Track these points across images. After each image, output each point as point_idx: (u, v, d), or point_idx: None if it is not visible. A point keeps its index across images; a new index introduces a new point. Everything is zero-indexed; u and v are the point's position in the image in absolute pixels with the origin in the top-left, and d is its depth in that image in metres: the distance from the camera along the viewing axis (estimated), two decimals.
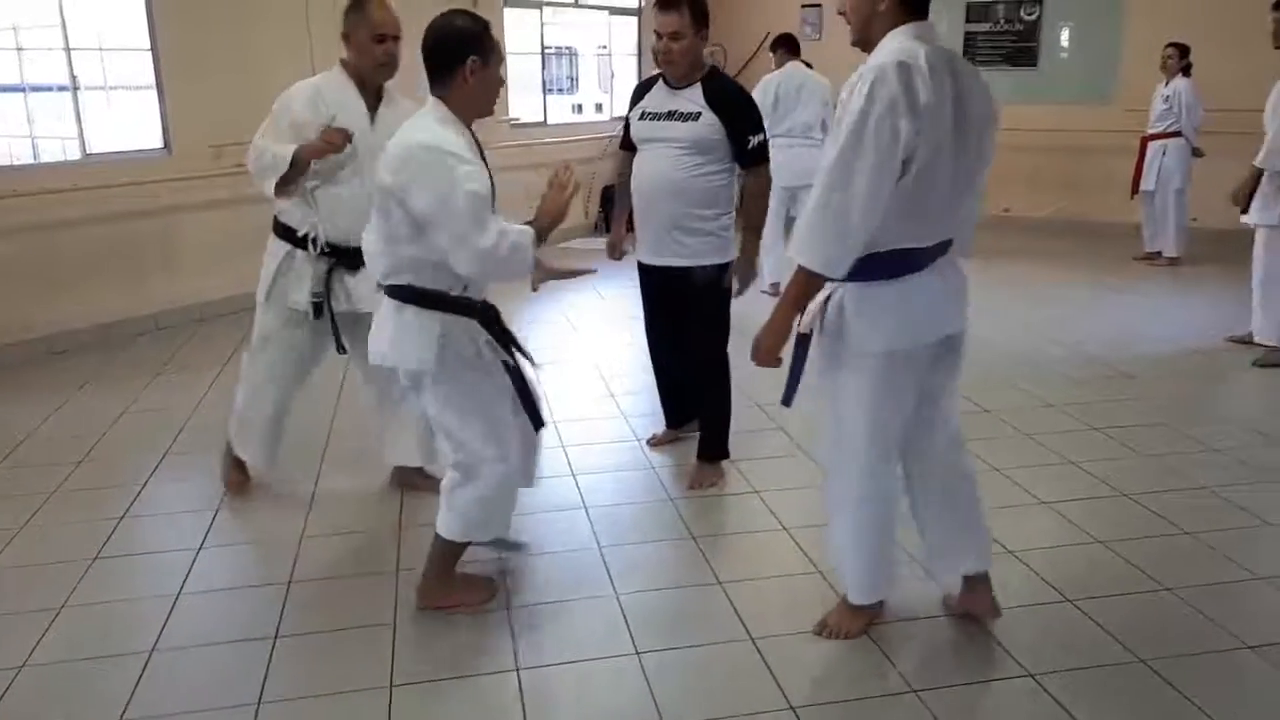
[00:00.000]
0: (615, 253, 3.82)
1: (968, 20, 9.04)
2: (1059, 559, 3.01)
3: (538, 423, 2.73)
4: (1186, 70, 7.06)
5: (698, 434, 3.81)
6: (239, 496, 3.53)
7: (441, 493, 2.69)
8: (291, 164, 3.01)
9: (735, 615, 2.72)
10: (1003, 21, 8.74)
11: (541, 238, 2.54)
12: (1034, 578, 2.90)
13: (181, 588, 2.90)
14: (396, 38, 3.15)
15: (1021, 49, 8.63)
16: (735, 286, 3.51)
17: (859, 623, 2.60)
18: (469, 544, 2.73)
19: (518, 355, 2.67)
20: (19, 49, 5.60)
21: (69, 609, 2.79)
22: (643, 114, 3.48)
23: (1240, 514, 3.29)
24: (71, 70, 5.36)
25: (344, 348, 3.29)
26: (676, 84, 3.41)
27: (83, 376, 4.92)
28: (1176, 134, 7.09)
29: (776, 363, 2.34)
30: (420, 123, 2.44)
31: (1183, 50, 7.05)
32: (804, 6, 9.79)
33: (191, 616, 2.76)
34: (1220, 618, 2.63)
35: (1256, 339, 5.13)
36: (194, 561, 3.05)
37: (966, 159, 2.21)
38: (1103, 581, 2.84)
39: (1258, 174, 4.84)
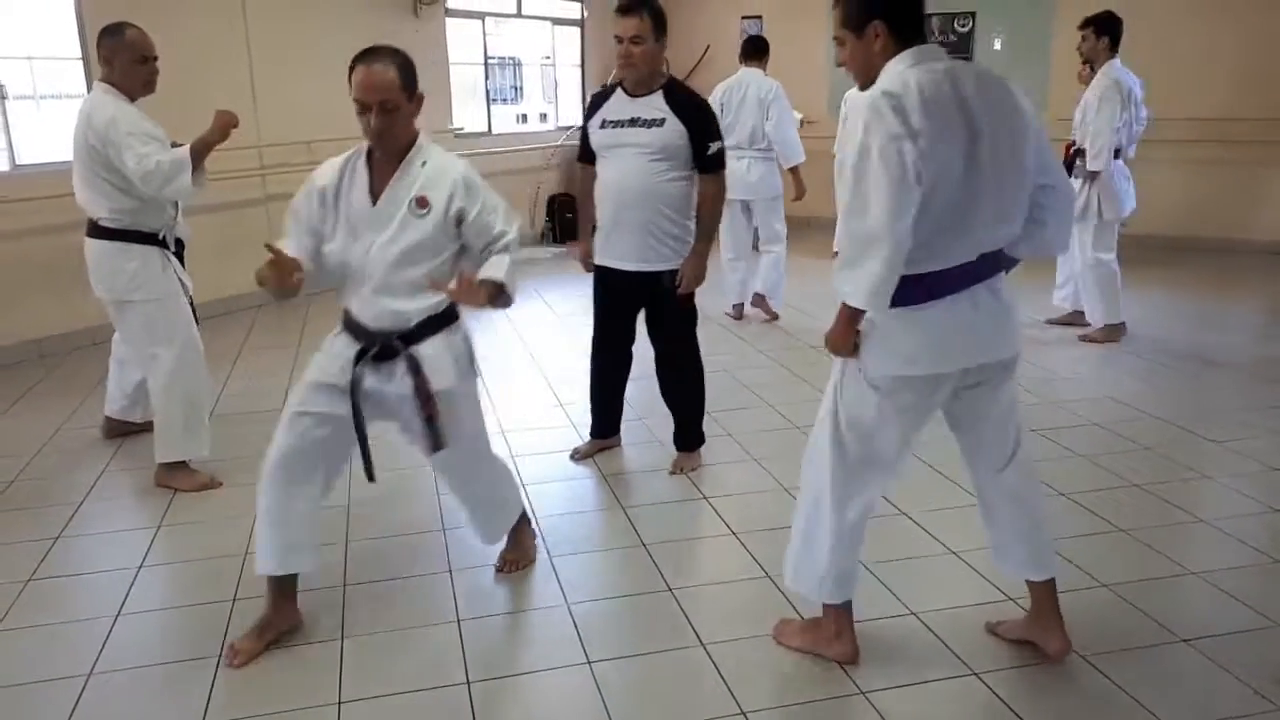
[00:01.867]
0: (588, 264, 3.79)
1: None
2: None
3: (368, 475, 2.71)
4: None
5: (617, 444, 3.98)
6: (209, 487, 3.63)
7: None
8: (193, 156, 3.38)
9: (686, 621, 2.73)
10: (937, 34, 8.93)
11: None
12: (976, 577, 2.96)
13: (121, 608, 2.82)
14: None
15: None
16: (681, 284, 3.54)
17: (805, 636, 2.59)
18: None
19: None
20: None
21: (1, 633, 2.70)
22: (604, 122, 3.50)
23: (1168, 508, 3.41)
24: None
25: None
26: (636, 91, 3.45)
27: (15, 393, 4.77)
28: None
29: (852, 351, 2.27)
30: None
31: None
32: (745, 18, 9.91)
33: (132, 637, 2.69)
34: (1155, 613, 2.72)
35: (1099, 323, 5.61)
36: (134, 581, 2.98)
37: (985, 174, 2.12)
38: None
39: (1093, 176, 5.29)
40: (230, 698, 2.41)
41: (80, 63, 5.47)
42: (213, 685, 2.46)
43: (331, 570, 3.01)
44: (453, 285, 2.42)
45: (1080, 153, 5.38)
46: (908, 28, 2.17)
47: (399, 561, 3.09)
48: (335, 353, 2.60)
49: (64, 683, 2.47)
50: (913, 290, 2.15)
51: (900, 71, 2.11)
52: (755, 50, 6.09)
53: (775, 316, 6.18)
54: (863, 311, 2.18)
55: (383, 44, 2.57)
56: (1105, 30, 5.30)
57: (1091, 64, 5.43)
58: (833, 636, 2.53)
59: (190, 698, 2.41)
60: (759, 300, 6.20)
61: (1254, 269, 7.52)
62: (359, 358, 2.55)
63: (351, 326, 2.60)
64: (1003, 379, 2.34)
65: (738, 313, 6.18)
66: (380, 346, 2.55)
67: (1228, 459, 3.87)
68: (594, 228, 3.73)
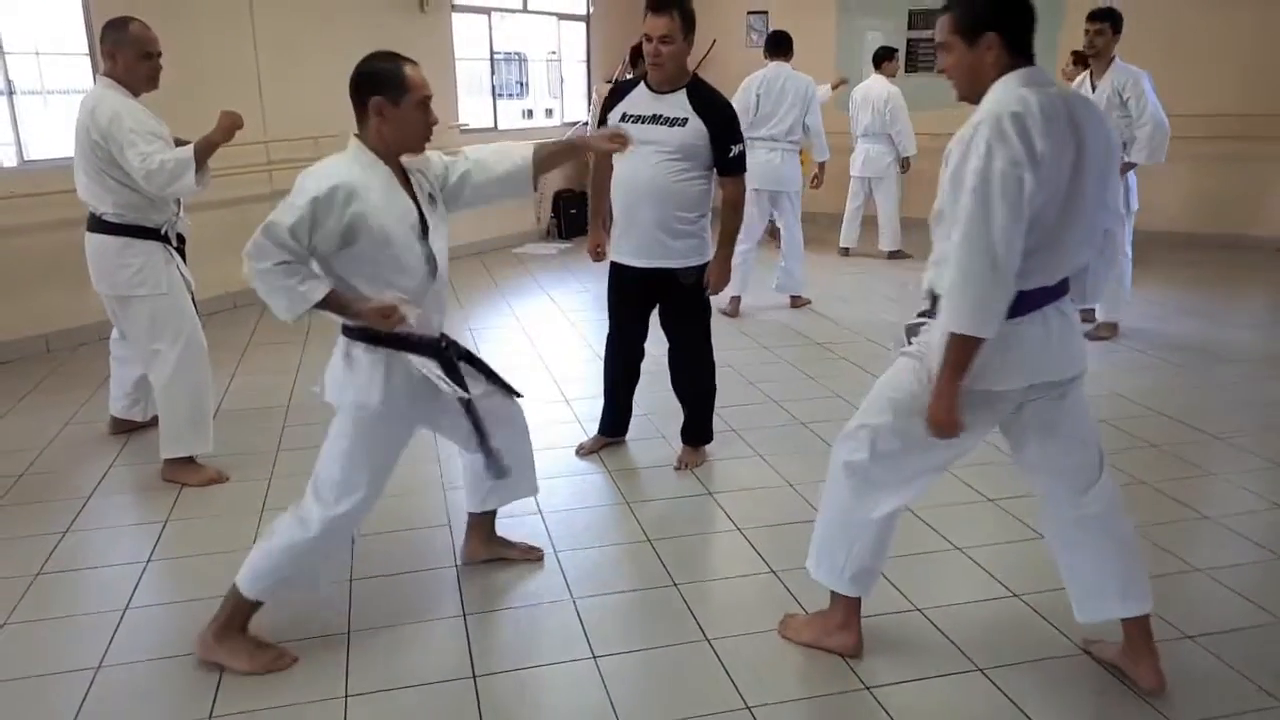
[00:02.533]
0: (598, 255, 3.81)
1: (910, 27, 9.21)
2: (1006, 555, 3.08)
3: (499, 472, 2.73)
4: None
5: (623, 441, 3.99)
6: (217, 482, 3.65)
7: (261, 536, 2.60)
8: (197, 156, 3.38)
9: (691, 617, 2.74)
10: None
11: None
12: (981, 573, 2.96)
13: (129, 602, 2.84)
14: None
15: None
16: (709, 288, 3.58)
17: (812, 629, 2.59)
18: (260, 604, 2.54)
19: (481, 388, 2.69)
20: None
21: (11, 626, 2.72)
22: (624, 116, 3.48)
23: (1173, 505, 3.40)
24: (7, 75, 5.23)
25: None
26: (660, 88, 3.44)
27: (23, 388, 4.79)
28: None
29: (958, 429, 2.18)
30: (326, 162, 2.43)
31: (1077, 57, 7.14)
32: (750, 13, 9.90)
33: (140, 631, 2.71)
34: (1161, 609, 2.72)
35: (1102, 319, 5.58)
36: (142, 575, 3.00)
37: (1080, 202, 2.10)
38: (1047, 576, 2.90)
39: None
40: (238, 691, 2.42)
41: (87, 58, 5.48)
42: (220, 679, 2.47)
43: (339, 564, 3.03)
44: None
45: None
46: (1021, 44, 2.12)
47: (405, 556, 3.10)
48: (395, 387, 2.49)
49: (73, 675, 2.49)
50: None
51: (1017, 90, 2.05)
52: (781, 45, 6.18)
53: (809, 302, 6.41)
54: (974, 347, 2.09)
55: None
56: (1120, 25, 5.27)
57: (1093, 60, 5.38)
58: (837, 627, 2.54)
59: (199, 691, 2.42)
60: (796, 300, 6.43)
61: (1261, 265, 7.50)
62: (448, 370, 2.55)
63: (410, 345, 2.50)
64: (1065, 391, 2.28)
65: (735, 308, 6.19)
66: (450, 351, 2.60)
67: (1233, 455, 3.86)
68: (605, 220, 3.73)
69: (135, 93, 3.45)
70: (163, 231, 3.56)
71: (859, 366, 5.06)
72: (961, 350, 2.10)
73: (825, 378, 4.90)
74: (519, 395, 2.82)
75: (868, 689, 2.41)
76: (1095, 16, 5.30)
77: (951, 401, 2.15)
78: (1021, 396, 2.25)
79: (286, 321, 2.42)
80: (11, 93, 5.27)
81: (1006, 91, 2.06)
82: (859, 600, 2.53)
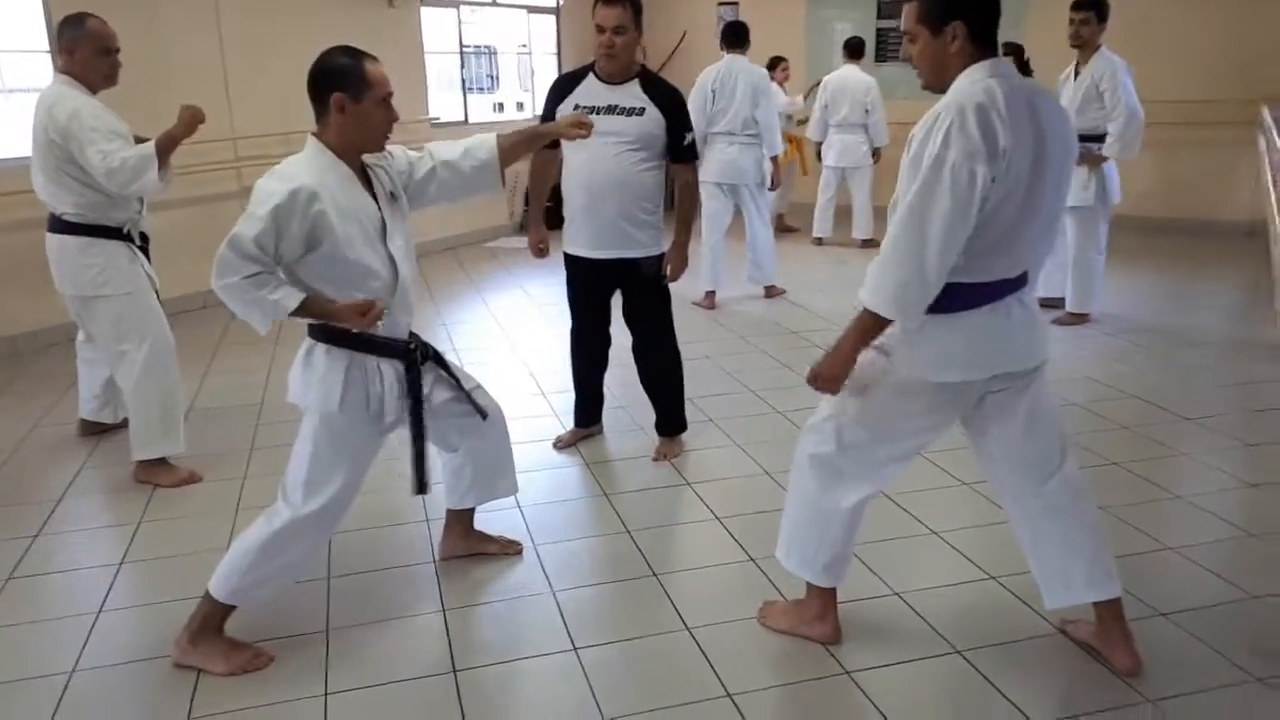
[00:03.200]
0: (541, 251, 3.80)
1: (879, 17, 9.24)
2: (982, 538, 3.11)
3: (419, 487, 2.66)
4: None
5: (599, 432, 4.01)
6: (190, 482, 3.62)
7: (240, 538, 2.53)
8: (159, 152, 3.34)
9: (671, 606, 2.74)
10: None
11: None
12: (957, 556, 2.99)
13: (103, 604, 2.80)
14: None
15: None
16: (669, 275, 3.60)
17: (789, 618, 2.61)
18: (234, 608, 2.51)
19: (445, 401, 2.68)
20: None
21: None
22: (576, 107, 3.45)
23: (1145, 485, 3.45)
24: None
25: None
26: (612, 79, 3.43)
27: None
28: None
29: (836, 389, 2.25)
30: (285, 165, 2.38)
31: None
32: (720, 4, 9.89)
33: (115, 634, 2.67)
34: (1134, 588, 2.76)
35: (1070, 309, 5.59)
36: (115, 577, 2.96)
37: (1041, 196, 2.10)
38: (1023, 558, 2.92)
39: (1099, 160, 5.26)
40: (216, 692, 2.40)
41: (48, 55, 5.39)
42: (197, 680, 2.44)
43: (315, 562, 3.00)
44: None
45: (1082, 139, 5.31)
46: (985, 35, 2.11)
47: (383, 552, 3.09)
48: (353, 390, 2.46)
49: (47, 680, 2.45)
50: (952, 299, 2.11)
51: (985, 81, 2.05)
52: (737, 37, 6.10)
53: (784, 292, 6.45)
54: (884, 324, 2.13)
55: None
56: (1106, 14, 5.23)
57: (1078, 50, 5.29)
58: (815, 617, 2.55)
59: (176, 692, 2.40)
60: (770, 290, 6.44)
61: (1228, 249, 7.60)
62: (409, 372, 2.53)
63: (376, 347, 2.48)
64: (1028, 382, 2.28)
65: (710, 301, 6.19)
66: (417, 353, 2.56)
67: (1204, 436, 3.92)
68: (546, 214, 3.72)
69: (94, 90, 3.39)
70: (125, 230, 3.51)
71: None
72: (870, 322, 2.15)
73: (801, 367, 4.83)
74: (484, 415, 2.76)
75: (848, 673, 2.43)
76: (1079, 5, 5.23)
77: (845, 363, 2.21)
78: (984, 387, 2.27)
79: (260, 333, 2.39)
80: None
81: (972, 82, 2.06)
82: (835, 590, 2.54)
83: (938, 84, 2.15)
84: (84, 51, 3.35)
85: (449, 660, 2.52)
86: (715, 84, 5.94)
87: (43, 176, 3.40)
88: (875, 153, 7.83)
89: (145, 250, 3.62)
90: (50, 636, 2.66)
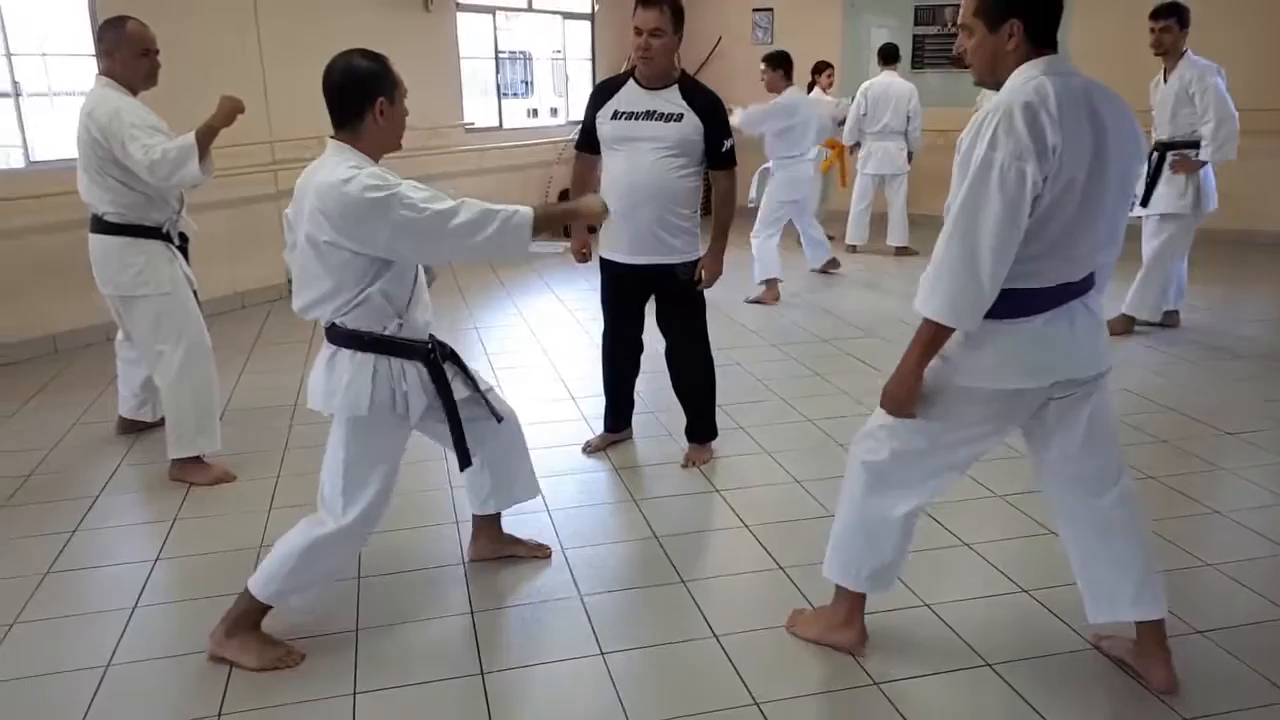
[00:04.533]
0: (583, 257, 3.78)
1: (916, 23, 9.18)
2: (1014, 550, 3.07)
3: (464, 462, 2.67)
4: None
5: (629, 437, 4.00)
6: (224, 480, 3.67)
7: (277, 545, 2.55)
8: (199, 142, 3.38)
9: (699, 613, 2.73)
10: (950, 24, 8.88)
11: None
12: (988, 568, 2.95)
13: (138, 600, 2.85)
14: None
15: None
16: (704, 282, 3.59)
17: (816, 625, 2.58)
18: (270, 607, 2.54)
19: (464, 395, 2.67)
20: None
21: (20, 625, 2.73)
22: (615, 113, 3.47)
23: (1183, 500, 3.39)
24: (13, 77, 5.25)
25: None
26: (651, 84, 3.43)
27: (30, 389, 4.81)
28: None
29: (909, 411, 2.20)
30: (337, 168, 2.30)
31: None
32: (756, 10, 9.88)
33: (149, 629, 2.71)
34: (1171, 604, 2.70)
35: (1125, 310, 5.49)
36: (150, 573, 3.00)
37: (1102, 197, 2.04)
38: (1056, 571, 2.90)
39: (1198, 165, 5.15)
40: (247, 689, 2.42)
41: (93, 59, 5.49)
42: (229, 676, 2.47)
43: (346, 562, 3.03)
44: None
45: (1170, 146, 5.23)
46: (1045, 32, 2.06)
47: (412, 554, 3.11)
48: (381, 391, 2.46)
49: (83, 674, 2.49)
50: (1011, 304, 2.06)
51: (1036, 79, 2.00)
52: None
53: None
54: (945, 334, 2.08)
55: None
56: (1187, 19, 5.13)
57: (1163, 58, 5.22)
58: (841, 623, 2.53)
59: (208, 688, 2.43)
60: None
61: (1271, 260, 7.46)
62: (432, 368, 2.54)
63: (398, 348, 2.48)
64: (1090, 390, 2.22)
65: (770, 294, 6.40)
66: (437, 355, 2.56)
67: (1244, 450, 3.84)
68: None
69: (134, 91, 3.46)
70: (164, 230, 3.57)
71: (867, 364, 5.05)
72: (931, 334, 2.10)
73: (833, 375, 4.89)
74: (500, 419, 2.76)
75: (876, 684, 2.41)
76: (1159, 13, 5.13)
77: (913, 383, 2.16)
78: (1044, 395, 2.21)
79: (523, 254, 2.42)
80: (18, 94, 5.29)
81: (1023, 80, 2.02)
82: (863, 597, 2.52)
83: (991, 80, 2.11)
84: (124, 53, 3.42)
85: (477, 662, 2.53)
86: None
87: (85, 177, 3.47)
88: (909, 159, 7.80)
89: (185, 251, 3.67)
90: (87, 630, 2.70)
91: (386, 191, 2.25)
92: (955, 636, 2.60)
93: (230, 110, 3.44)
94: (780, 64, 6.33)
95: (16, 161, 5.34)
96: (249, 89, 6.20)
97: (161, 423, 3.86)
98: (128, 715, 2.35)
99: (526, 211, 2.36)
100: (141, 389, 4.04)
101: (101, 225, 3.52)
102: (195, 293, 3.69)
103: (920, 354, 2.13)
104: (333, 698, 2.39)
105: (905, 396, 2.18)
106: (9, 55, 5.21)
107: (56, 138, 5.45)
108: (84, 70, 5.54)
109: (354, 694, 2.40)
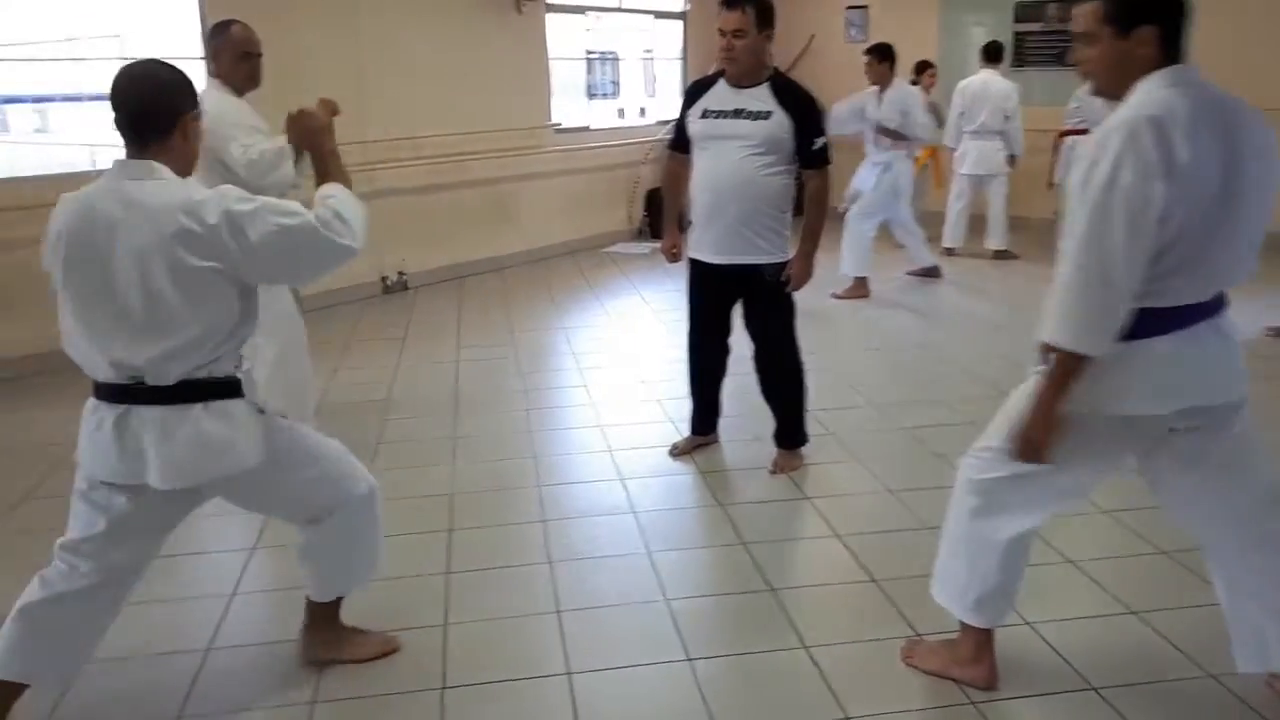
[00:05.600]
0: (674, 256, 3.77)
1: (1016, 20, 8.90)
2: (1122, 570, 2.93)
3: None
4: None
5: (715, 441, 3.95)
6: None
7: (301, 558, 2.43)
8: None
9: (788, 622, 2.68)
10: (1054, 20, 8.59)
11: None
12: (1094, 588, 2.82)
13: (236, 588, 2.93)
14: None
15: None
16: (791, 284, 3.52)
17: (938, 658, 2.45)
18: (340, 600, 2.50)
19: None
20: (77, 59, 5.73)
21: (130, 606, 2.80)
22: (705, 112, 3.45)
23: None
24: None
25: None
26: (740, 83, 3.40)
27: None
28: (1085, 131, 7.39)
29: (1045, 458, 2.04)
30: (171, 186, 2.05)
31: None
32: (849, 8, 9.72)
33: (246, 616, 2.79)
34: None
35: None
36: (248, 562, 3.08)
37: (1236, 215, 1.92)
38: (1167, 593, 2.76)
39: None
40: (338, 680, 2.46)
41: (203, 62, 5.70)
42: (323, 667, 2.52)
43: (435, 558, 3.07)
44: None
45: None
46: (1176, 42, 1.94)
47: (500, 551, 3.12)
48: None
49: (186, 655, 2.58)
50: (1135, 325, 1.94)
51: (1161, 91, 1.89)
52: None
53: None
54: (1082, 366, 1.95)
55: None
56: None
57: None
58: (968, 659, 2.38)
59: (301, 677, 2.47)
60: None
61: None
62: None
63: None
64: (1227, 420, 2.07)
65: (856, 289, 6.42)
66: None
67: None
68: (681, 219, 3.71)
69: (239, 92, 3.55)
70: None
71: (965, 371, 4.90)
72: (1067, 366, 1.95)
73: (929, 383, 4.76)
74: None
75: (973, 704, 2.32)
76: None
77: (1048, 423, 2.01)
78: (1169, 423, 2.05)
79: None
80: None
81: (1149, 93, 1.89)
82: (990, 632, 2.37)
83: (1115, 91, 1.98)
84: (227, 56, 3.53)
85: (564, 661, 2.52)
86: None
87: (195, 176, 3.58)
88: (1011, 160, 7.56)
89: None
90: (189, 614, 2.79)
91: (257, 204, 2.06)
92: (1058, 657, 2.49)
93: (326, 112, 3.49)
94: (886, 56, 6.30)
95: None
96: (346, 89, 6.36)
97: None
98: (227, 697, 2.41)
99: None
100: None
101: None
102: (295, 290, 3.78)
103: (1057, 391, 1.98)
104: (422, 690, 2.41)
105: (1045, 441, 2.03)
106: (124, 59, 5.44)
107: None
108: (194, 73, 5.76)
109: (443, 688, 2.42)
